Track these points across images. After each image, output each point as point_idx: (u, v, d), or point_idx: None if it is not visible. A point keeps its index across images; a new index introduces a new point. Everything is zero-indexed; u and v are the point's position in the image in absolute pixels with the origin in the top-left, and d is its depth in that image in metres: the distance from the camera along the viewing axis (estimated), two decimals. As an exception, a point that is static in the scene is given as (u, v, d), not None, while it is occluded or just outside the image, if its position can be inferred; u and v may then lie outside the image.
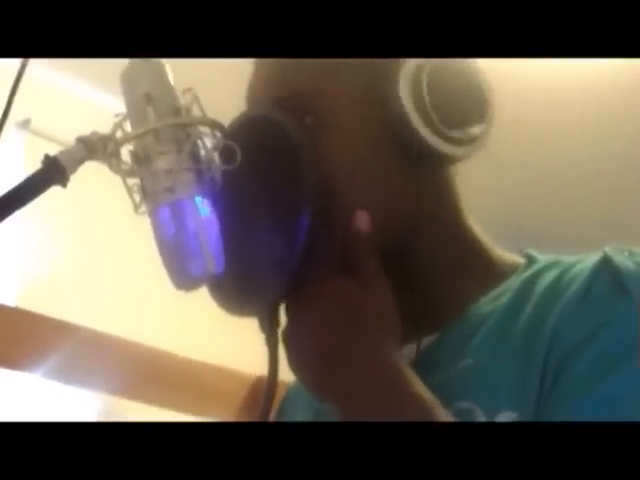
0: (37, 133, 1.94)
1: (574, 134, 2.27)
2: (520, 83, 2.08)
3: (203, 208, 0.71)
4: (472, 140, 0.79)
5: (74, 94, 2.08)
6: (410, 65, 0.77)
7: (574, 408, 0.68)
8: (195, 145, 0.71)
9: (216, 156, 0.72)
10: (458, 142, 0.78)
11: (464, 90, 0.79)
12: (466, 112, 0.78)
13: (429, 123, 0.76)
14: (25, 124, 1.92)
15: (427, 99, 0.76)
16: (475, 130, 0.79)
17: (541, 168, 2.41)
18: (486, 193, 2.22)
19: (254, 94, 0.82)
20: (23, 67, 0.74)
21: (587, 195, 2.50)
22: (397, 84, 0.77)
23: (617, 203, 2.52)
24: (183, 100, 0.72)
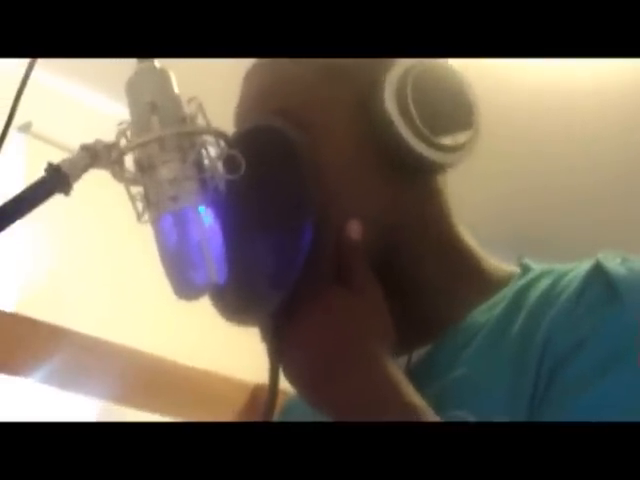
0: (38, 136, 1.94)
1: (568, 141, 2.27)
2: (513, 90, 2.09)
3: (206, 217, 0.71)
4: (459, 147, 0.79)
5: (75, 98, 2.08)
6: (395, 72, 0.78)
7: (566, 414, 0.68)
8: (199, 154, 0.71)
9: (220, 165, 0.72)
10: (445, 149, 0.78)
11: (450, 97, 0.79)
12: (452, 119, 0.78)
13: (415, 130, 0.76)
14: (26, 127, 1.92)
15: (412, 106, 0.77)
16: (462, 137, 0.79)
17: (534, 176, 2.41)
18: (479, 201, 2.23)
19: (244, 110, 0.83)
20: (27, 73, 0.73)
21: (582, 202, 2.50)
22: (382, 92, 0.77)
23: (612, 210, 2.52)
24: (188, 109, 0.72)
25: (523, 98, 2.12)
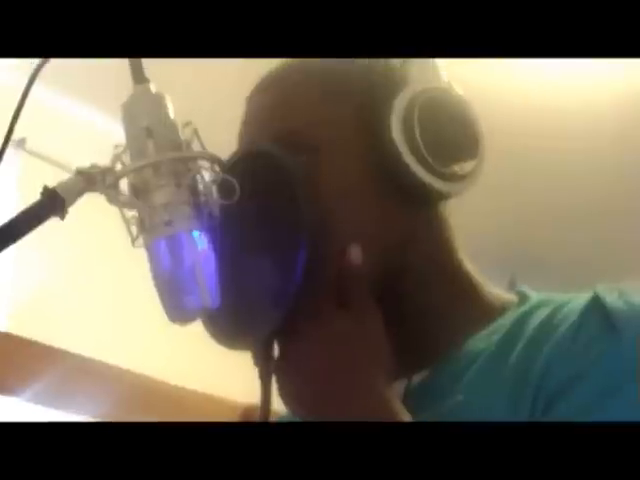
0: (32, 153, 1.94)
1: (562, 157, 2.28)
2: (510, 108, 2.09)
3: (200, 242, 0.71)
4: (464, 176, 0.79)
5: (69, 114, 2.08)
6: (402, 100, 0.78)
7: None
8: (194, 179, 0.71)
9: (214, 190, 0.72)
10: (450, 178, 0.78)
11: (456, 126, 0.79)
12: (458, 148, 0.79)
13: (421, 159, 0.77)
14: (20, 144, 1.92)
15: (418, 135, 0.77)
16: (467, 166, 0.79)
17: (527, 192, 2.42)
18: (477, 218, 2.23)
19: (249, 132, 0.83)
20: (27, 90, 0.74)
21: (575, 219, 2.51)
22: (388, 120, 0.77)
23: (610, 228, 2.53)
24: (183, 134, 0.72)
25: (520, 118, 2.13)
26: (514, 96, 2.07)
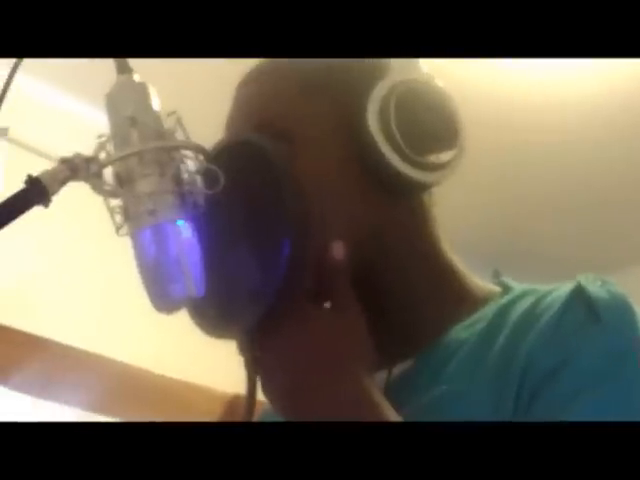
0: (15, 142, 1.93)
1: (554, 152, 2.29)
2: (497, 102, 2.10)
3: (185, 231, 0.71)
4: (442, 166, 0.79)
5: (53, 103, 2.07)
6: (378, 91, 0.78)
7: None
8: (178, 169, 0.71)
9: (199, 180, 0.72)
10: (428, 168, 0.78)
11: (434, 116, 0.79)
12: (436, 138, 0.79)
13: (398, 150, 0.77)
14: (3, 132, 1.91)
15: (395, 126, 0.77)
16: (445, 156, 0.79)
17: (518, 186, 2.43)
18: (463, 211, 2.24)
19: (233, 122, 0.83)
20: (10, 78, 0.73)
21: (566, 213, 2.52)
22: (365, 111, 0.77)
23: (598, 221, 2.54)
24: (167, 123, 0.72)
25: (507, 110, 2.13)
26: (504, 89, 2.07)
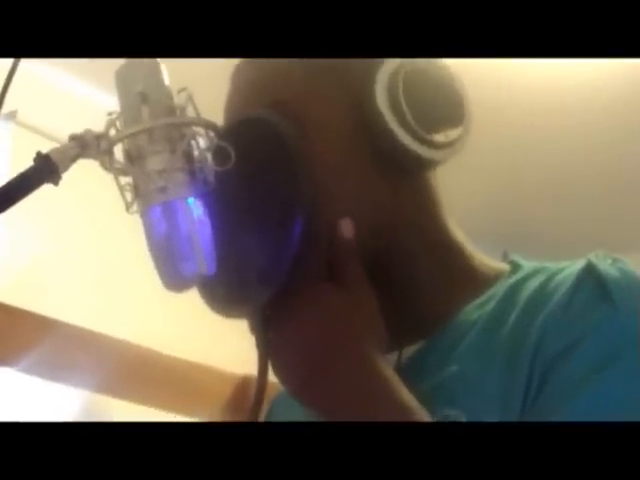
0: (23, 125, 1.93)
1: (555, 136, 2.28)
2: (501, 86, 2.09)
3: (196, 209, 0.70)
4: (450, 144, 0.79)
5: (61, 86, 2.07)
6: (386, 69, 0.78)
7: (559, 413, 0.68)
8: (189, 145, 0.71)
9: (209, 157, 0.71)
10: (436, 145, 0.78)
11: (441, 94, 0.79)
12: (443, 116, 0.79)
13: (407, 127, 0.76)
14: (11, 116, 1.91)
15: (403, 102, 0.77)
16: (452, 133, 0.79)
17: (521, 170, 2.42)
18: (469, 195, 2.23)
19: (235, 103, 0.82)
20: (15, 65, 0.73)
21: (569, 197, 2.51)
22: (374, 89, 0.77)
23: (599, 205, 2.54)
24: (178, 100, 0.72)
25: (511, 94, 2.12)
26: (509, 73, 2.06)
